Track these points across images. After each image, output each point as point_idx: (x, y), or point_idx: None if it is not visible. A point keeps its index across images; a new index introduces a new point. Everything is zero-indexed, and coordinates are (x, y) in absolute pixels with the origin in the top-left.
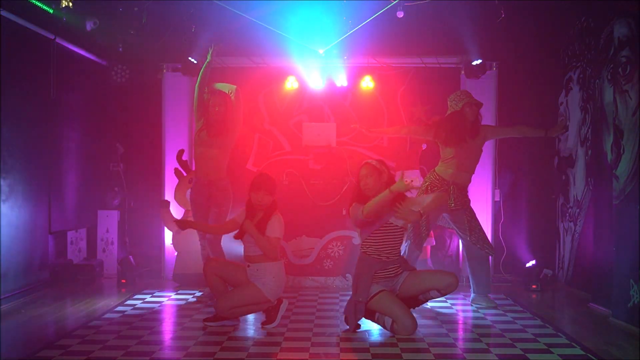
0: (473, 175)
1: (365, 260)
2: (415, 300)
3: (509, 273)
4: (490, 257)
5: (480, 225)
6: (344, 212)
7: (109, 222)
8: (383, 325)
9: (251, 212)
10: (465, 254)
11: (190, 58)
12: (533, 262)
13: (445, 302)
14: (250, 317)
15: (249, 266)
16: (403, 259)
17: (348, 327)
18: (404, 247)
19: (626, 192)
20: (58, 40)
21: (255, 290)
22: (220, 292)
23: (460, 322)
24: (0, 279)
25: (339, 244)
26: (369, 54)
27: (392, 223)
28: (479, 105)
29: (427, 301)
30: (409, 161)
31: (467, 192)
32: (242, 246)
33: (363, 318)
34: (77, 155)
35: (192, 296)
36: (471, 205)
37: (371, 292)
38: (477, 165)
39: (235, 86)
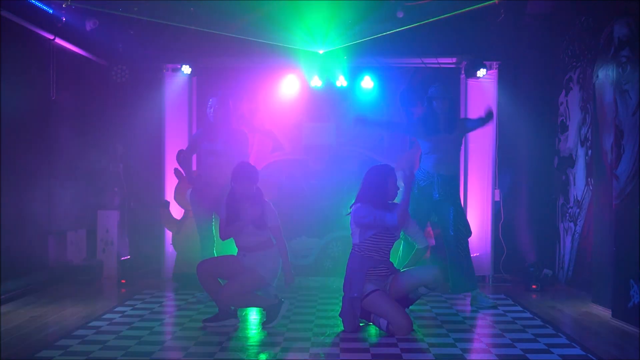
0: (460, 166)
1: (357, 258)
2: (406, 300)
3: (509, 273)
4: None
5: (466, 226)
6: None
7: (109, 223)
8: (379, 327)
9: (234, 203)
10: (445, 250)
11: (187, 65)
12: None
13: (445, 302)
14: (250, 317)
15: (245, 256)
16: (391, 262)
17: (346, 329)
18: None
19: (626, 192)
20: (57, 40)
21: (255, 276)
22: (215, 292)
23: (460, 322)
24: (0, 279)
25: (339, 244)
26: (368, 54)
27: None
28: (444, 98)
29: (418, 299)
30: (410, 161)
31: (456, 184)
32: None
33: (360, 319)
34: (77, 155)
35: (192, 296)
36: (473, 204)
37: (365, 291)
38: (477, 165)
39: None
